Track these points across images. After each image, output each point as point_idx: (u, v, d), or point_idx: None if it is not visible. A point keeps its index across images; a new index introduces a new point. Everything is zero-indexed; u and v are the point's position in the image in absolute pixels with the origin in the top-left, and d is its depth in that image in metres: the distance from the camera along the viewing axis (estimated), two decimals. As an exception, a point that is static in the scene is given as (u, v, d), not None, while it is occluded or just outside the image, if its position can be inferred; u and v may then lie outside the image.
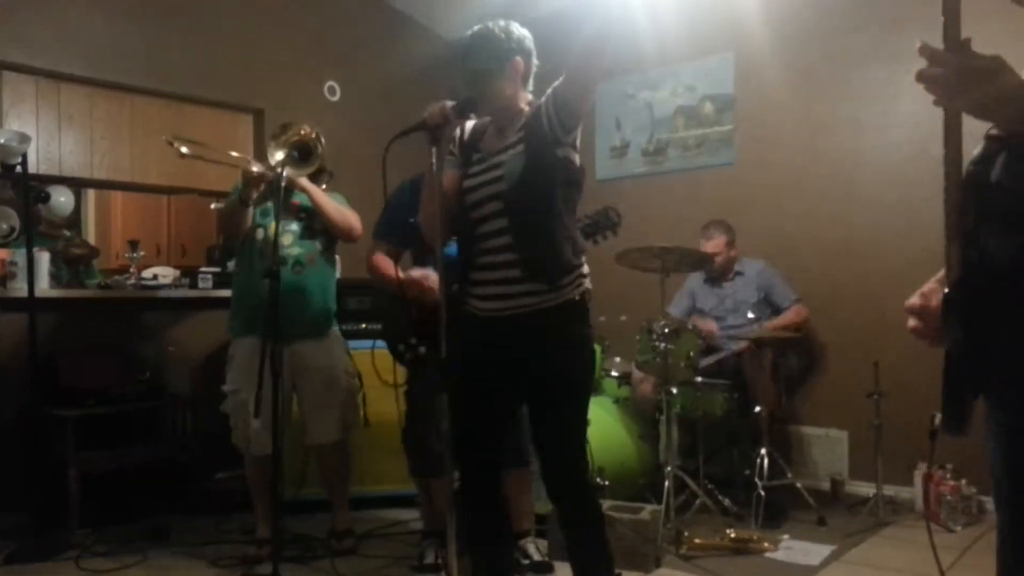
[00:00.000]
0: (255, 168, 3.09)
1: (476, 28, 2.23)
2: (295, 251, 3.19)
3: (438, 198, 2.13)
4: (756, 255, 4.24)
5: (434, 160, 2.14)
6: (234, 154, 3.42)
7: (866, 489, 3.81)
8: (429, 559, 3.05)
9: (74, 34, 4.01)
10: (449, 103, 2.12)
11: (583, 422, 2.25)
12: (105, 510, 3.55)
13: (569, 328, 2.17)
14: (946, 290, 1.23)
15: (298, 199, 3.22)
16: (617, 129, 5.17)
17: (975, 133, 1.24)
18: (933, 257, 1.32)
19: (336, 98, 5.08)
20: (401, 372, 3.05)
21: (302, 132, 3.13)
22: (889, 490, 3.70)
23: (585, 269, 2.23)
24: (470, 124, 2.33)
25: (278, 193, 2.86)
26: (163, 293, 3.99)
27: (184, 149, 3.20)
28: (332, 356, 3.30)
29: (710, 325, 4.07)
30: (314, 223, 3.24)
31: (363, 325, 3.87)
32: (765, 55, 4.47)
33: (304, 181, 3.15)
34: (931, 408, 1.33)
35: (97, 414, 3.55)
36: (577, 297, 2.18)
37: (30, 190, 3.47)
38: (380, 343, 3.01)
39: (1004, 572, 1.28)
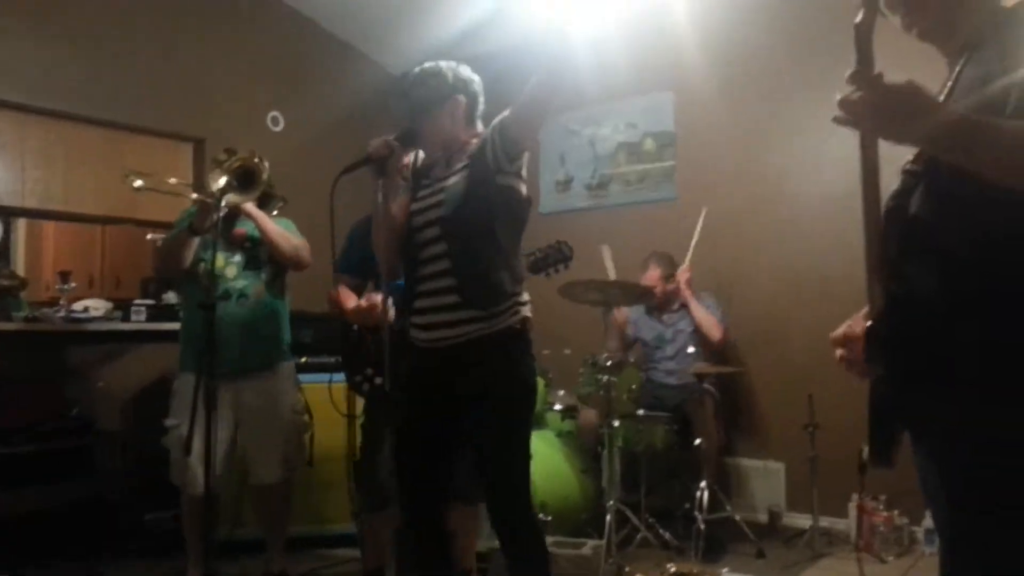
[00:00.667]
0: (195, 195, 3.02)
1: (425, 64, 2.27)
2: (239, 283, 3.08)
3: (385, 230, 2.15)
4: (698, 290, 4.31)
5: (380, 192, 2.15)
6: (173, 181, 3.33)
7: (803, 521, 3.87)
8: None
9: (4, 59, 3.90)
10: (391, 135, 2.15)
11: (526, 451, 2.23)
12: (30, 553, 3.39)
13: (509, 356, 2.18)
14: (869, 323, 1.26)
15: (243, 227, 3.12)
16: (561, 164, 5.24)
17: (894, 161, 1.29)
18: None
19: (279, 128, 5.04)
20: (358, 405, 3.02)
21: (244, 157, 3.06)
22: (825, 521, 3.77)
23: (524, 297, 2.24)
24: (423, 152, 2.36)
25: (217, 222, 2.80)
26: (94, 326, 3.86)
27: (138, 182, 3.07)
28: (278, 393, 3.17)
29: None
30: (259, 253, 3.13)
31: (305, 359, 3.81)
32: (704, 94, 4.59)
33: (248, 206, 3.06)
34: (865, 440, 1.36)
35: (22, 452, 3.40)
36: (517, 325, 2.19)
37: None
38: (337, 376, 2.97)
39: None
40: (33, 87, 3.99)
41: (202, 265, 3.06)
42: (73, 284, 4.00)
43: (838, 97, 1.16)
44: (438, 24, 5.07)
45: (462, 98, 2.25)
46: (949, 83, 1.33)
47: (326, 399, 3.75)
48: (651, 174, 4.88)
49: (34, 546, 3.42)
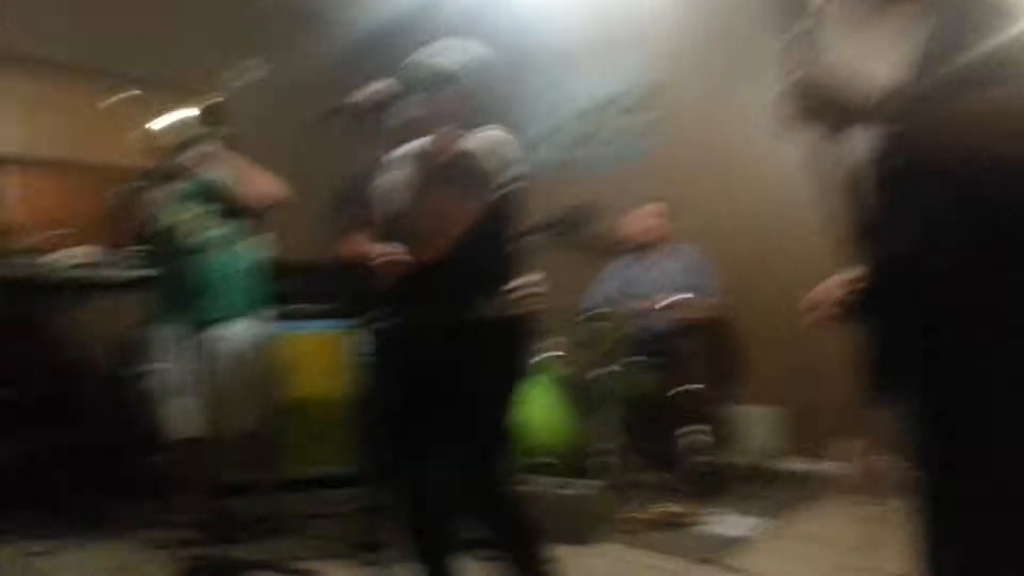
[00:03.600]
0: (168, 139, 2.94)
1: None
2: (213, 233, 3.06)
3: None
4: (685, 244, 4.31)
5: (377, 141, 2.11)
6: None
7: (798, 465, 3.93)
8: (373, 536, 2.99)
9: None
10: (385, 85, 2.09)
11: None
12: (38, 495, 3.38)
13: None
14: (857, 287, 1.33)
15: (208, 178, 3.05)
16: (540, 120, 5.16)
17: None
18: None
19: (260, 76, 4.89)
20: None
21: (212, 98, 2.94)
22: (820, 465, 3.82)
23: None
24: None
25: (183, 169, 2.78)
26: (80, 273, 3.79)
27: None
28: (252, 342, 3.19)
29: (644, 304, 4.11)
30: (227, 202, 3.08)
31: (297, 306, 3.78)
32: (678, 49, 4.58)
33: (217, 151, 2.98)
34: (860, 385, 1.40)
35: (14, 397, 3.37)
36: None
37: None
38: (327, 324, 2.94)
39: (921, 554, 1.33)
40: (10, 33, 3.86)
41: (168, 217, 3.02)
42: (59, 231, 3.93)
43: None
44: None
45: (472, 84, 2.16)
46: (917, 46, 1.31)
47: (316, 347, 3.77)
48: (631, 129, 4.83)
49: (32, 490, 3.41)
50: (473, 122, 2.16)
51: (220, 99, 2.94)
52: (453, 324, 2.12)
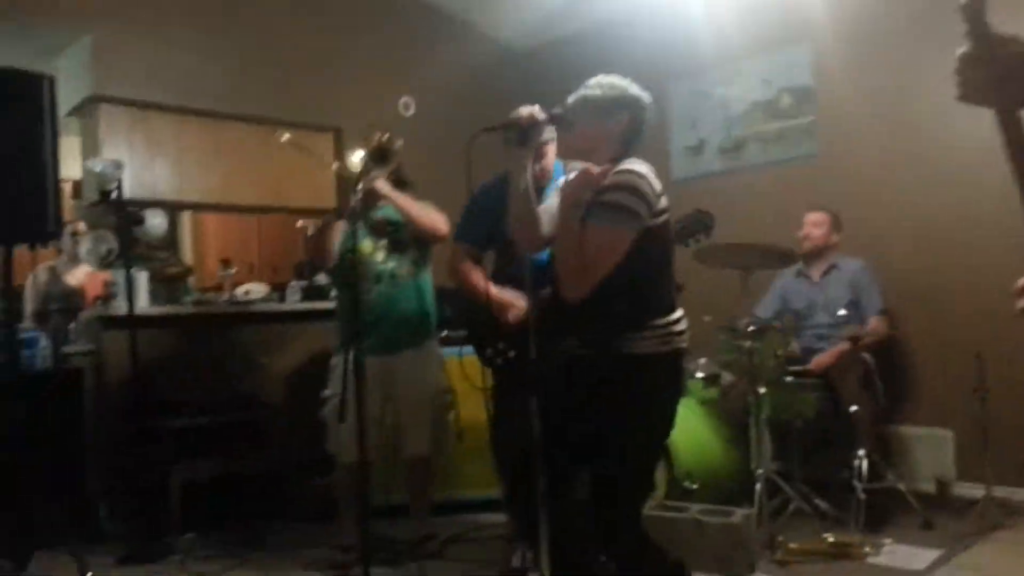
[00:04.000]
0: (335, 165, 3.17)
1: (607, 75, 2.19)
2: (389, 265, 3.25)
3: (526, 202, 2.13)
4: (847, 250, 4.07)
5: (521, 163, 2.12)
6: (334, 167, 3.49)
7: (975, 491, 3.60)
8: (516, 563, 3.03)
9: (162, 66, 4.22)
10: (540, 108, 2.09)
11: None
12: (206, 516, 3.67)
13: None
14: None
15: (383, 215, 3.26)
16: (692, 128, 5.06)
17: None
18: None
19: (411, 112, 5.15)
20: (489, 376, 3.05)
21: (377, 137, 3.14)
22: (1000, 491, 3.49)
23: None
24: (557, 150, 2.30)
25: (359, 205, 2.92)
26: (254, 308, 4.14)
27: (287, 135, 3.38)
28: (427, 371, 3.36)
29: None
30: (403, 235, 3.27)
31: (446, 333, 3.91)
32: (842, 44, 4.30)
33: (383, 187, 3.13)
34: None
35: (195, 425, 3.70)
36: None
37: (126, 214, 3.65)
38: (468, 349, 3.02)
39: None
40: (187, 90, 4.30)
41: (349, 255, 3.18)
42: (234, 270, 4.30)
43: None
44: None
45: (625, 120, 2.14)
46: None
47: (465, 372, 3.87)
48: (789, 131, 4.63)
49: (209, 511, 3.71)
50: (621, 155, 2.14)
51: (386, 139, 3.13)
52: (599, 359, 2.11)
